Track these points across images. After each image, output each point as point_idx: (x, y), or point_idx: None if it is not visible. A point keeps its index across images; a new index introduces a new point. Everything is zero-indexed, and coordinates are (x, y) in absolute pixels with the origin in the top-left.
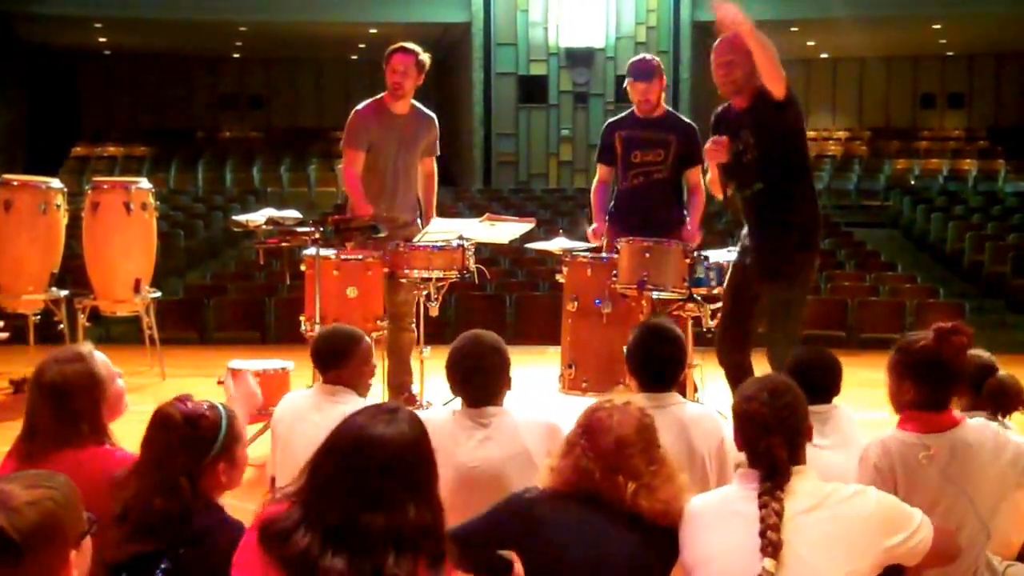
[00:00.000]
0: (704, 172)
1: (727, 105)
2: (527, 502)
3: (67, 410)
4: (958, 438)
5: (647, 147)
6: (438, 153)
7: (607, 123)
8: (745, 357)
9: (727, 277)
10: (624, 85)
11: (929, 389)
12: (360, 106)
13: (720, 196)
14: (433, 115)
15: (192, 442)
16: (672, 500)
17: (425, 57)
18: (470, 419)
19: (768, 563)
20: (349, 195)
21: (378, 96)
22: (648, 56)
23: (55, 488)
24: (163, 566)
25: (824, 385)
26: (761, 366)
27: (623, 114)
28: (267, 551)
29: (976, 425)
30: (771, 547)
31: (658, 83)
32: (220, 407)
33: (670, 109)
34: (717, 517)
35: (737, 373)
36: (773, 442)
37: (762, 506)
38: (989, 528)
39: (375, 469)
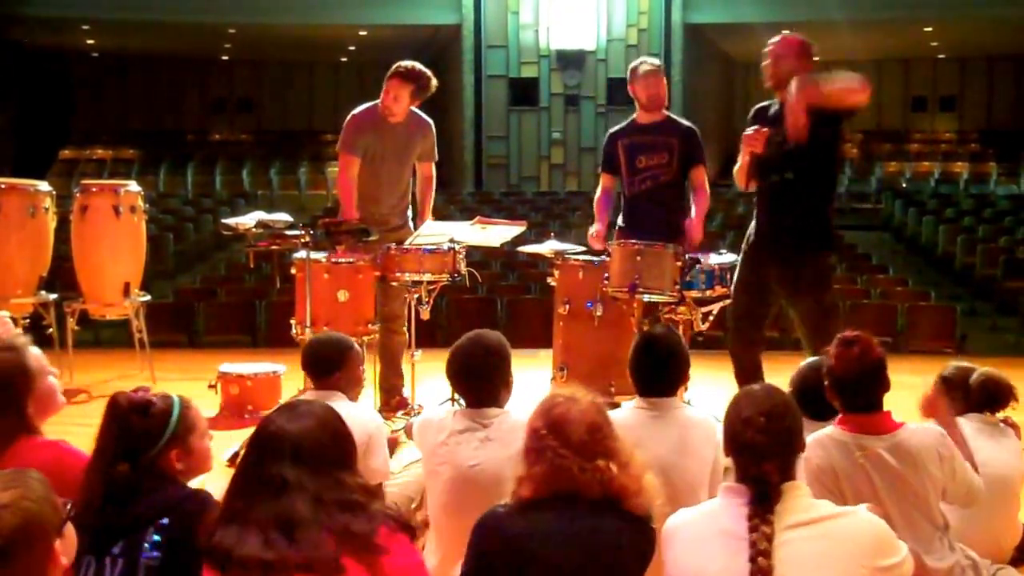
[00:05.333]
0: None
1: (768, 103)
2: (500, 520)
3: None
4: (897, 443)
5: (651, 151)
6: (436, 158)
7: (608, 133)
8: (758, 356)
9: (737, 272)
10: (630, 87)
11: (839, 395)
12: (357, 111)
13: (744, 187)
14: (430, 120)
15: (136, 428)
16: (642, 475)
17: (431, 83)
18: (471, 419)
19: None
20: (340, 199)
21: (375, 101)
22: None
23: (28, 486)
24: (153, 539)
25: (828, 404)
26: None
27: (623, 123)
28: (205, 559)
29: (919, 430)
30: (761, 573)
31: (664, 80)
32: (175, 398)
33: (670, 114)
34: (704, 535)
35: (749, 372)
36: (767, 469)
37: (752, 529)
38: (933, 523)
39: (271, 458)
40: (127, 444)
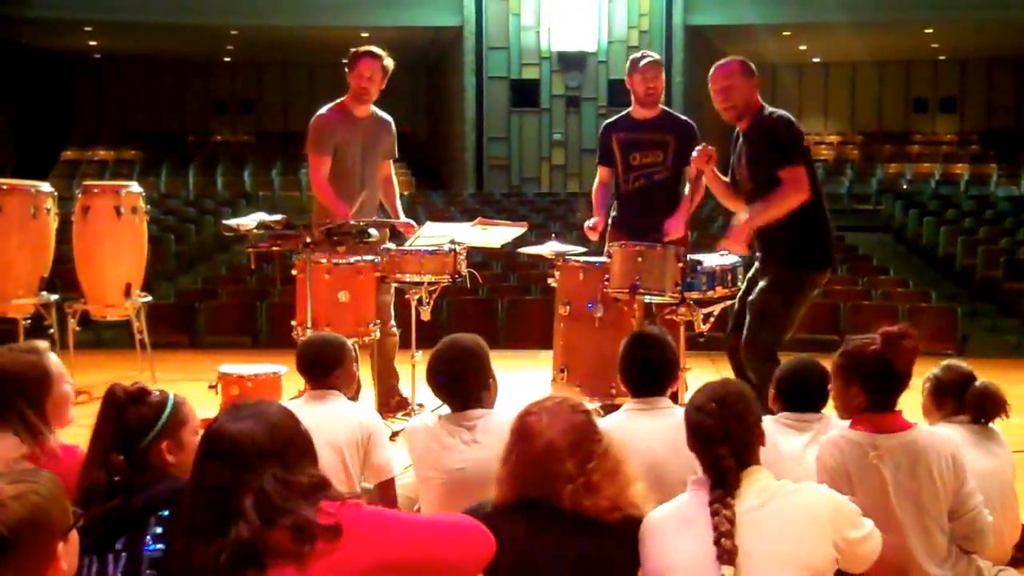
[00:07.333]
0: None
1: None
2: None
3: (6, 401)
4: (909, 441)
5: (646, 148)
6: (396, 156)
7: (604, 125)
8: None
9: (745, 284)
10: (628, 79)
11: (878, 393)
12: (322, 110)
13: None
14: (391, 119)
15: (131, 416)
16: (618, 495)
17: (389, 62)
18: (455, 423)
19: (727, 571)
20: (322, 198)
21: (339, 100)
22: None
23: (39, 483)
24: (155, 531)
25: (812, 395)
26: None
27: (619, 115)
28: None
29: (931, 431)
30: (727, 554)
31: (663, 75)
32: (172, 394)
33: (666, 108)
34: (672, 526)
35: (741, 371)
36: (720, 453)
37: (714, 514)
38: (945, 532)
39: (215, 459)
40: (123, 433)
